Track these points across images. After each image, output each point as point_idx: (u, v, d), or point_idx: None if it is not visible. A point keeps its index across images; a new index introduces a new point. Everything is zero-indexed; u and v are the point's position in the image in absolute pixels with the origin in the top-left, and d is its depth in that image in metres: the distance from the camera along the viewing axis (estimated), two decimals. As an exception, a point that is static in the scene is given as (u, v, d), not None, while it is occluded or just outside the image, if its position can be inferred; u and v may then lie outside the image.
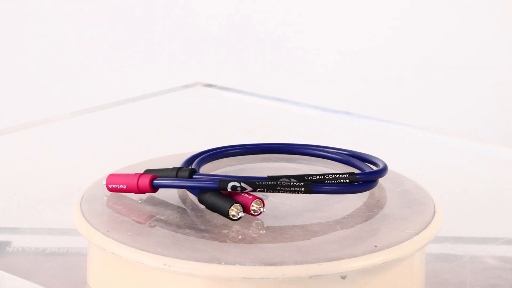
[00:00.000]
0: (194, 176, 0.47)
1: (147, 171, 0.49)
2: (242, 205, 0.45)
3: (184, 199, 0.49)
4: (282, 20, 1.28)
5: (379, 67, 1.25)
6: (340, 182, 0.47)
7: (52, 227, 0.57)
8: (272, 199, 0.49)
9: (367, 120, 0.74)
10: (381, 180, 0.51)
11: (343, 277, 0.43)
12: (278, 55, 1.27)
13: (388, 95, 1.25)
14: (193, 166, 0.51)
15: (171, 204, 0.48)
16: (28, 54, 1.27)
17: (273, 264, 0.41)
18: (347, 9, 1.28)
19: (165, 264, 0.42)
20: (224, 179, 0.45)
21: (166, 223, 0.45)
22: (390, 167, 0.52)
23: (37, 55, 1.27)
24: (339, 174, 0.47)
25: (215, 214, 0.46)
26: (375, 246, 0.43)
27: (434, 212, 0.48)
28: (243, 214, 0.45)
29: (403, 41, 1.26)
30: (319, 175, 0.47)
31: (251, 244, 0.43)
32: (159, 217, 0.46)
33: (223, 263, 0.41)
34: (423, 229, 0.46)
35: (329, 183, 0.47)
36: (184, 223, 0.45)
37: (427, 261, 0.49)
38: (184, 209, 0.47)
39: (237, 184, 0.45)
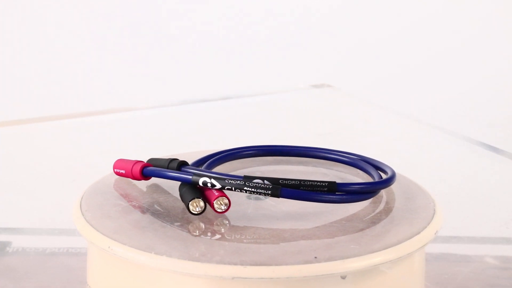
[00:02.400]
0: (182, 169, 0.48)
1: (149, 160, 0.51)
2: (205, 201, 0.45)
3: (183, 190, 0.50)
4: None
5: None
6: (317, 190, 0.46)
7: (52, 227, 0.58)
8: (269, 201, 0.49)
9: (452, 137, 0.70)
10: (393, 187, 0.49)
11: (343, 277, 0.42)
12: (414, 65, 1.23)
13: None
14: (208, 163, 0.52)
15: (168, 193, 0.49)
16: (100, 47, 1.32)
17: (198, 260, 0.41)
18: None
19: (109, 247, 0.43)
20: (198, 174, 0.46)
21: (142, 210, 0.47)
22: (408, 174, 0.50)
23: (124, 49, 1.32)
24: (317, 181, 0.46)
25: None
26: (315, 257, 0.42)
27: (434, 212, 0.46)
28: (201, 209, 0.45)
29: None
30: (295, 180, 0.46)
31: (198, 239, 0.44)
32: (137, 204, 0.48)
33: (153, 252, 0.42)
34: (423, 229, 0.45)
35: (304, 189, 0.46)
36: (161, 212, 0.47)
37: (427, 261, 0.47)
38: (176, 199, 0.49)
39: (207, 180, 0.46)
